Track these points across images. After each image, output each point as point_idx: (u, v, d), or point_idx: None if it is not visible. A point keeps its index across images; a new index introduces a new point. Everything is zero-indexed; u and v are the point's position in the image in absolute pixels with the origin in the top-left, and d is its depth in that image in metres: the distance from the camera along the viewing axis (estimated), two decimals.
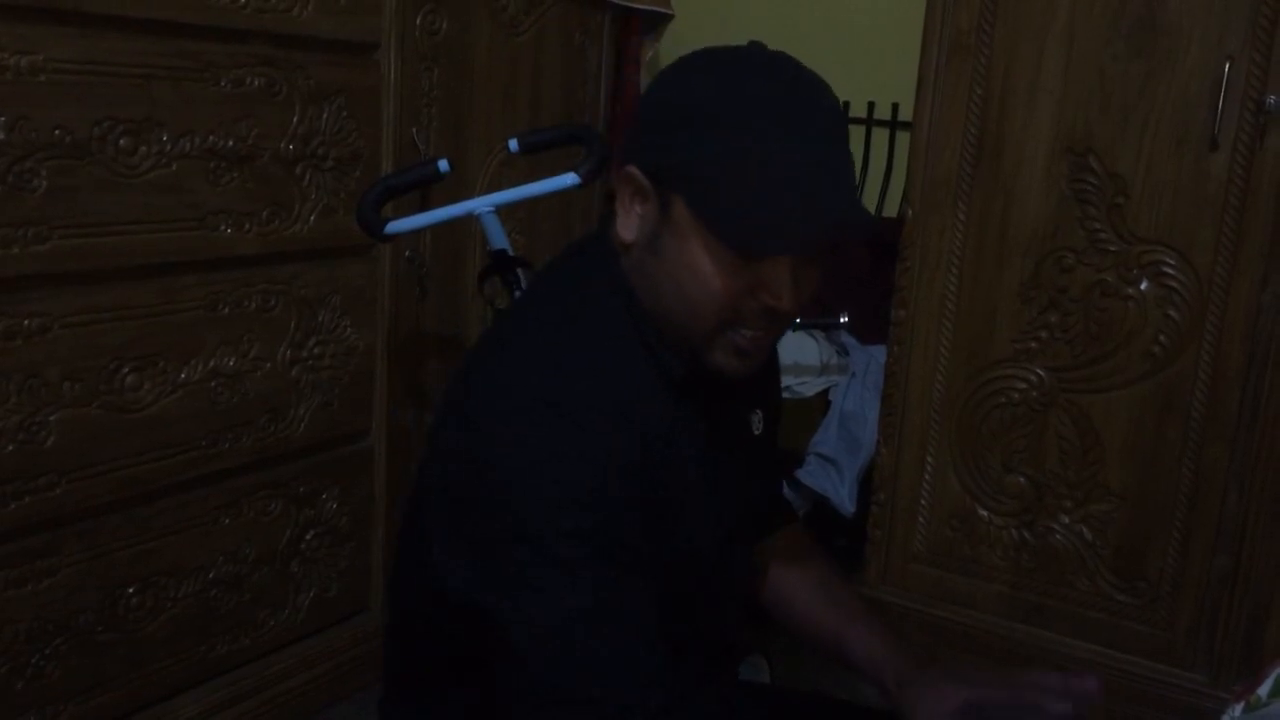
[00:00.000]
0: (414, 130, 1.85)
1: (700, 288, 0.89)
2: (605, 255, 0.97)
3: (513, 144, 1.71)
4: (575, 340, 0.94)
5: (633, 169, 0.92)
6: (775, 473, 1.23)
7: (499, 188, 1.84)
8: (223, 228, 1.59)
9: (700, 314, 0.90)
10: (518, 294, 1.69)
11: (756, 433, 1.09)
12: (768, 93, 0.87)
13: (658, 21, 2.45)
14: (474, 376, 0.95)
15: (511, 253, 1.72)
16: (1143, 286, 1.88)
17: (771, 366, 1.17)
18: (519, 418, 0.89)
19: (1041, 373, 1.99)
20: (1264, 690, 0.94)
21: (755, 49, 0.92)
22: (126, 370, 1.52)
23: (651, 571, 0.92)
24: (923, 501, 2.13)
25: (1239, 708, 0.95)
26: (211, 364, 1.62)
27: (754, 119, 0.86)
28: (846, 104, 2.69)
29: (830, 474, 2.22)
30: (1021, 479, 2.04)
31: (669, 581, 0.95)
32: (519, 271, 1.71)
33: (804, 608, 1.15)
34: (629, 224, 0.94)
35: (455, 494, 0.91)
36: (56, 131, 1.37)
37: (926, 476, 2.12)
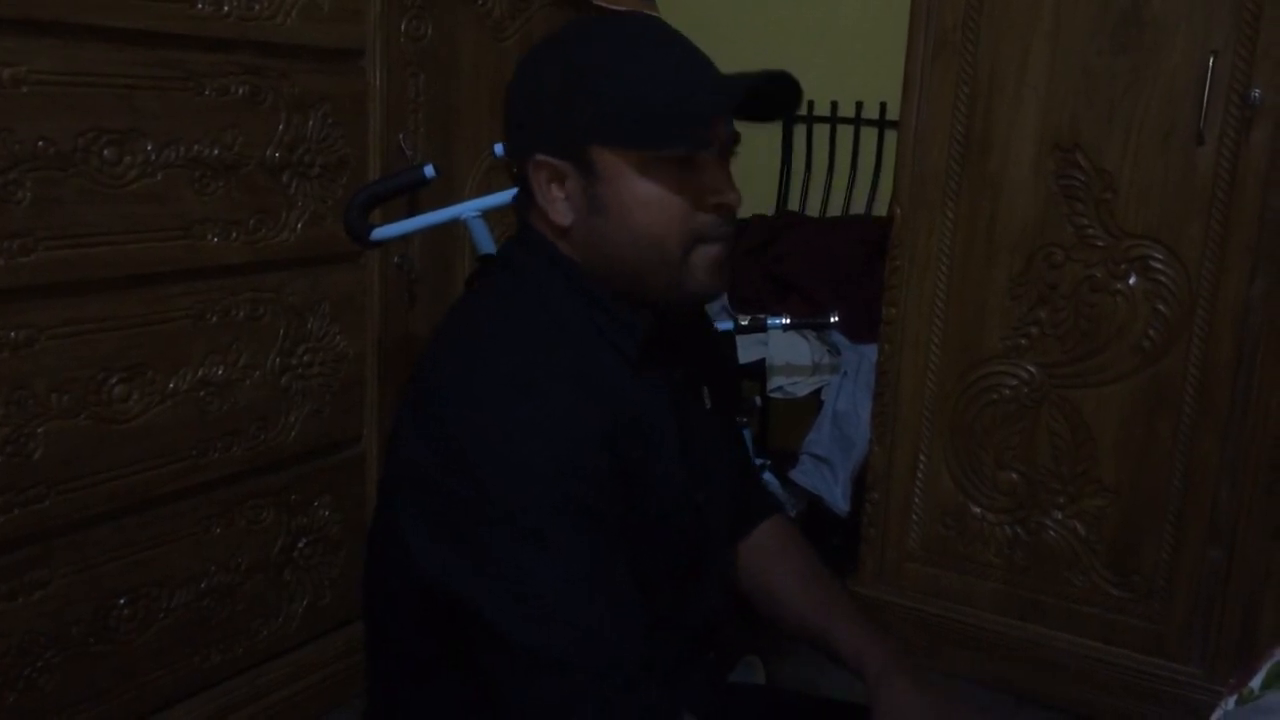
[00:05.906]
0: (400, 136, 1.85)
1: (656, 214, 0.94)
2: (538, 246, 1.00)
3: (499, 149, 1.71)
4: (532, 324, 0.96)
5: (540, 157, 0.95)
6: (741, 447, 1.25)
7: (487, 192, 1.84)
8: (209, 237, 1.59)
9: (666, 241, 0.94)
10: None
11: (708, 406, 1.11)
12: (631, 29, 0.97)
13: None
14: (434, 368, 0.97)
15: None
16: (1131, 281, 1.88)
17: (716, 343, 1.21)
18: (485, 399, 0.90)
19: (1032, 369, 1.99)
20: (1256, 682, 0.94)
21: (585, 17, 1.04)
22: (115, 381, 1.51)
23: (628, 543, 0.93)
24: (916, 500, 2.14)
25: (1232, 700, 0.95)
26: (200, 373, 1.62)
27: (630, 49, 0.94)
28: (834, 103, 2.70)
29: (824, 473, 2.22)
30: (1014, 475, 2.04)
31: (647, 555, 0.96)
32: None
33: (786, 599, 1.16)
34: (559, 209, 0.97)
35: (427, 483, 0.92)
36: (40, 143, 1.37)
37: (919, 474, 2.12)
